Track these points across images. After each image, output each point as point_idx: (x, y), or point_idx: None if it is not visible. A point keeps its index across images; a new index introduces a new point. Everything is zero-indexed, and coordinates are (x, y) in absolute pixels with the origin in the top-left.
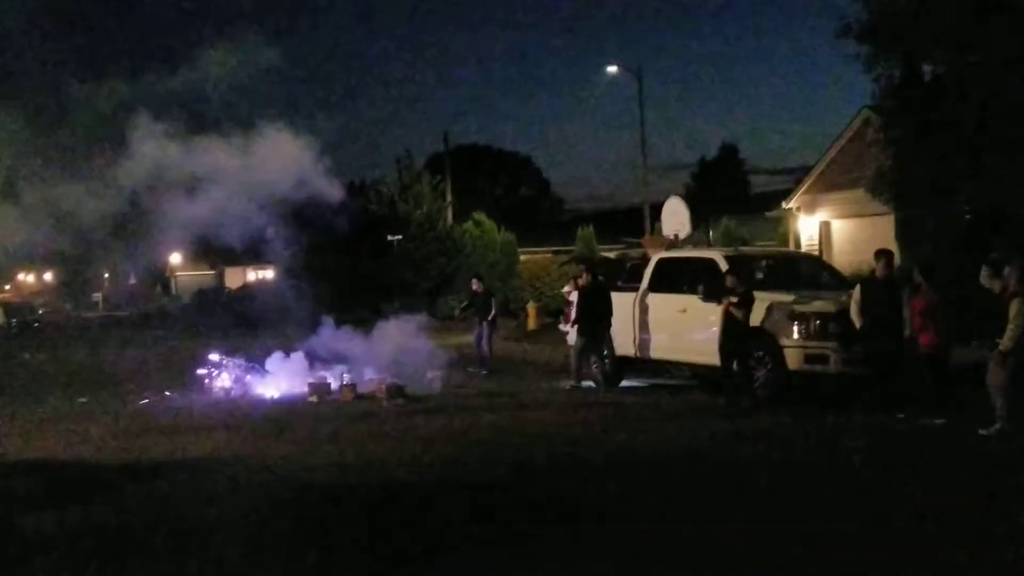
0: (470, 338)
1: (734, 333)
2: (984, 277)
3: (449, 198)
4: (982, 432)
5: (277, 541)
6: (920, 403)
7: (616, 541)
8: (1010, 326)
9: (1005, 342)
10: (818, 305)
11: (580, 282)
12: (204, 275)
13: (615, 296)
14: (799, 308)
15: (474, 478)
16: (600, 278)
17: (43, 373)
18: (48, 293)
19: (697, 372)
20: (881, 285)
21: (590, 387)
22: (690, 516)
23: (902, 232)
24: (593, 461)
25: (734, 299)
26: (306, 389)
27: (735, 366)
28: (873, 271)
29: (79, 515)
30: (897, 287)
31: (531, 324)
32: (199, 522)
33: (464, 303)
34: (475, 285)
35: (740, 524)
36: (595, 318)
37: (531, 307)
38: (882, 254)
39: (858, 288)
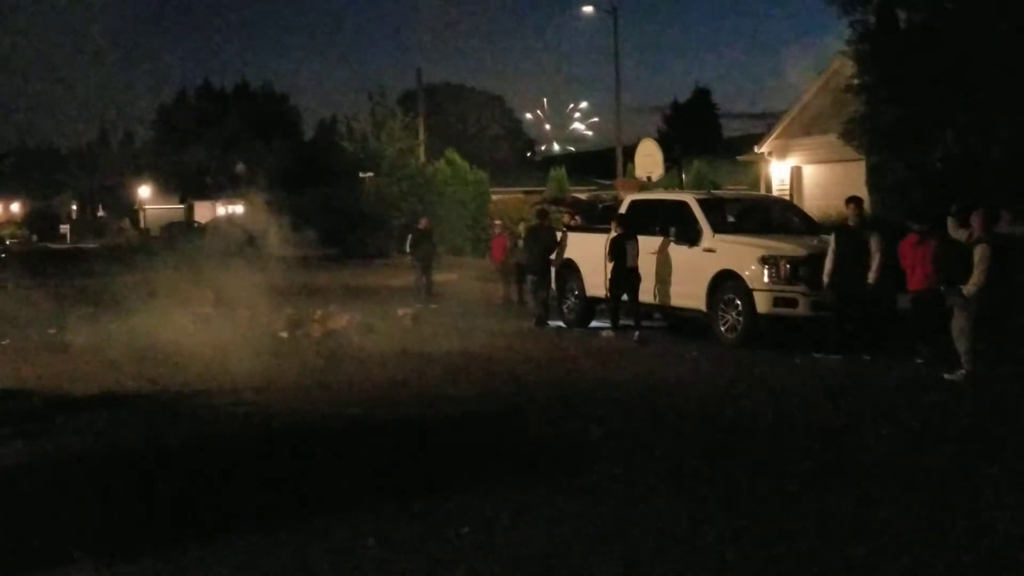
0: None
1: (617, 269)
2: (951, 228)
3: (422, 135)
4: (946, 377)
5: (237, 471)
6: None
7: (587, 479)
8: (975, 271)
9: (969, 287)
10: (788, 249)
11: (528, 223)
12: (173, 209)
13: (586, 237)
14: (769, 252)
15: (443, 414)
16: (545, 219)
17: (12, 303)
18: (15, 224)
19: (667, 313)
20: (850, 231)
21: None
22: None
23: (873, 178)
24: (561, 398)
25: (615, 235)
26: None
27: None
28: (846, 218)
29: (43, 444)
30: (864, 233)
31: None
32: (161, 453)
33: (411, 240)
34: (423, 223)
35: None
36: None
37: None
38: (851, 200)
39: (833, 237)
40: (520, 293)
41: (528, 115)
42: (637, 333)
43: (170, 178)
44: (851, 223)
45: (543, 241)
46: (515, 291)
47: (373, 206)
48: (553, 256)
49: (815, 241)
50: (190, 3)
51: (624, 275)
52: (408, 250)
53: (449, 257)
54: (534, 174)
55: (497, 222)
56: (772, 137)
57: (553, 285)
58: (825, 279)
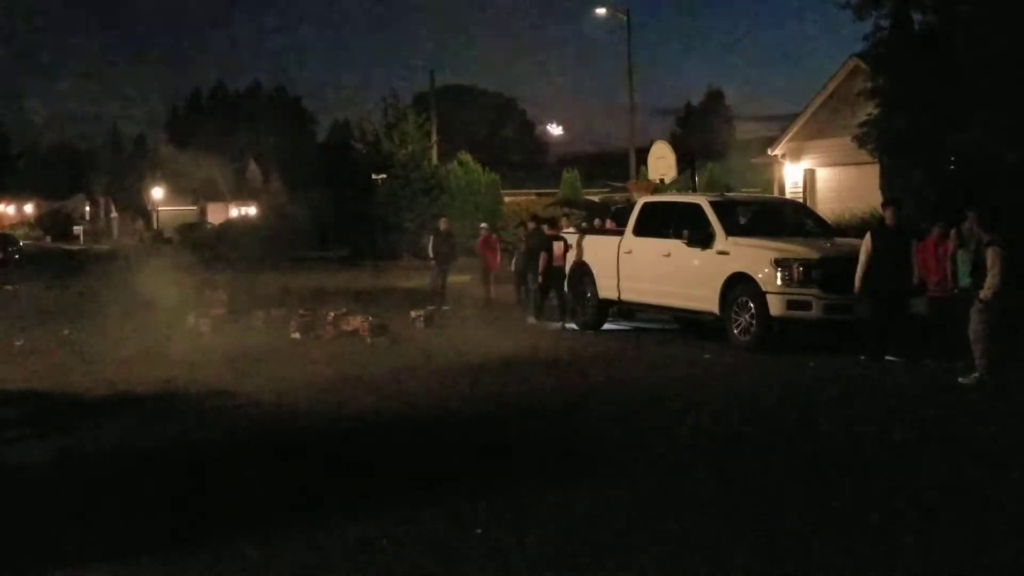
0: (459, 277)
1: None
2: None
3: (435, 137)
4: (961, 380)
5: (253, 472)
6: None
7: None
8: (989, 275)
9: (985, 291)
10: (802, 252)
11: (529, 228)
12: (186, 210)
13: (598, 239)
14: (782, 254)
15: (460, 414)
16: (542, 225)
17: (27, 304)
18: (29, 225)
19: (679, 316)
20: (892, 233)
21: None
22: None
23: (887, 182)
24: (577, 400)
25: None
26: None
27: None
28: (882, 219)
29: (59, 444)
30: (907, 234)
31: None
32: (174, 453)
33: (432, 241)
34: (444, 224)
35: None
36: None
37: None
38: (891, 203)
39: (868, 237)
40: (519, 295)
41: (532, 120)
42: (560, 324)
43: (183, 180)
44: (889, 224)
45: (536, 244)
46: (517, 293)
47: (385, 208)
48: (564, 259)
49: (828, 244)
50: (204, 5)
51: (551, 271)
52: (430, 252)
53: (462, 259)
54: (547, 176)
55: (483, 225)
56: (786, 139)
57: (566, 287)
58: (858, 282)
